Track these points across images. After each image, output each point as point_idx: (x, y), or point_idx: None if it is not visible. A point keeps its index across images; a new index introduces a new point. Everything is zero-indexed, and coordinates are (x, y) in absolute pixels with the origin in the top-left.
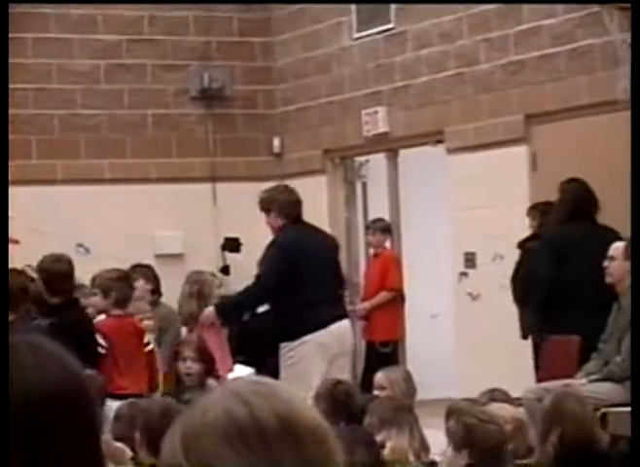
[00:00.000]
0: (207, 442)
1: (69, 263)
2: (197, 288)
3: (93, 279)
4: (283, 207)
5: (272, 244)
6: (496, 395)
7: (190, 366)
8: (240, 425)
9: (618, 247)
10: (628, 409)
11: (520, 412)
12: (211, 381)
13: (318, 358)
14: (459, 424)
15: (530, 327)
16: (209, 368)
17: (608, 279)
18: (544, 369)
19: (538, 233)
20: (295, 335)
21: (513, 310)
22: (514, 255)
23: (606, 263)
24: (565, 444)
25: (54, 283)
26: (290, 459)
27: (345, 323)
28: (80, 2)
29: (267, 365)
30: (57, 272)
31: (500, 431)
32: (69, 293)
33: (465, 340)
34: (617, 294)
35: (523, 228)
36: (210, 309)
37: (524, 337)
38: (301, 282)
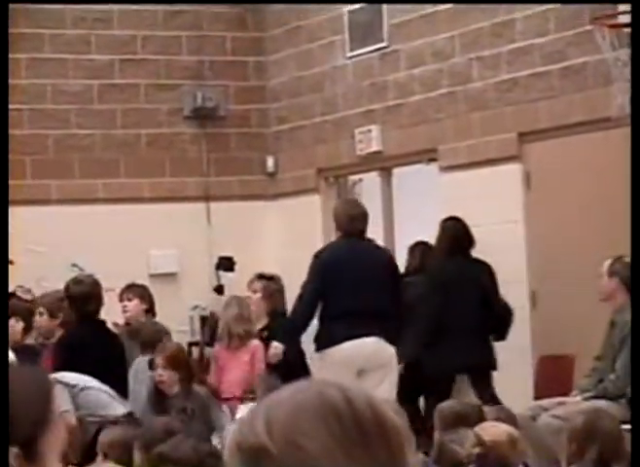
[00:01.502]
0: (296, 421)
1: (90, 284)
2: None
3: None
4: (338, 220)
5: (313, 256)
6: (501, 415)
7: (161, 373)
8: (336, 407)
9: (604, 265)
10: (625, 426)
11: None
12: (197, 388)
13: (343, 371)
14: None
15: (409, 356)
16: (187, 375)
17: (600, 297)
18: (539, 386)
19: (419, 268)
20: (320, 346)
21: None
22: (507, 274)
23: (599, 281)
24: (604, 461)
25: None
26: (384, 456)
27: (373, 340)
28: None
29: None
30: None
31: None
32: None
33: None
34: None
35: (517, 245)
36: (277, 345)
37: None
38: (332, 295)
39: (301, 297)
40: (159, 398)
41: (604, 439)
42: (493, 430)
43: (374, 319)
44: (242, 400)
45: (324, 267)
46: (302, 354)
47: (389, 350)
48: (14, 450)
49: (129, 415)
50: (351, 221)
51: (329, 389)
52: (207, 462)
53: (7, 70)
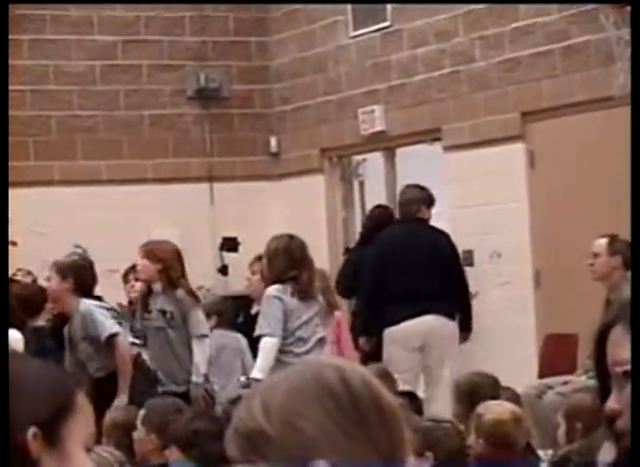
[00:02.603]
0: (292, 403)
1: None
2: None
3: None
4: (398, 204)
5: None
6: (482, 381)
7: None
8: (332, 388)
9: (601, 244)
10: None
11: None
12: (180, 293)
13: (404, 348)
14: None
15: (362, 325)
16: (167, 272)
17: (592, 276)
18: (544, 365)
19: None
20: (374, 328)
21: (511, 308)
22: (511, 253)
23: (589, 260)
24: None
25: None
26: (383, 435)
27: (431, 317)
28: (78, 2)
29: None
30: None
31: (458, 432)
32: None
33: None
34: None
35: (521, 225)
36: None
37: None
38: (389, 278)
39: (363, 292)
40: (145, 301)
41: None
42: (498, 409)
43: (431, 299)
44: None
45: (381, 249)
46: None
47: (448, 326)
48: (32, 430)
49: None
50: (402, 206)
51: (325, 370)
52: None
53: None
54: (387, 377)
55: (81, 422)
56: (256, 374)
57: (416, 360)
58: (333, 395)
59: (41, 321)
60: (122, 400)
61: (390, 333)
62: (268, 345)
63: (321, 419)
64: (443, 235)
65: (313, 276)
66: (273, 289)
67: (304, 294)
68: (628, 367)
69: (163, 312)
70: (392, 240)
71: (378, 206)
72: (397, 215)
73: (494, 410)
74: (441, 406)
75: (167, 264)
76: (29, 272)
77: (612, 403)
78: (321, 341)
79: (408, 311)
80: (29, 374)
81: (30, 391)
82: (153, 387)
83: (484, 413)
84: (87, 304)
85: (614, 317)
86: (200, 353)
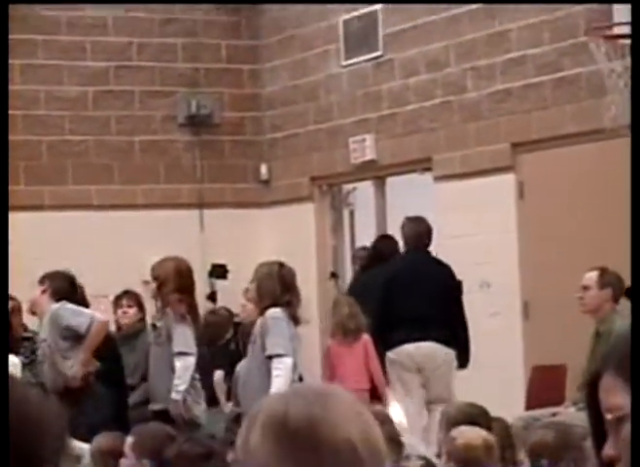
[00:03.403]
0: (249, 433)
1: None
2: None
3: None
4: (404, 236)
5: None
6: (472, 412)
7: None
8: (274, 422)
9: (591, 277)
10: None
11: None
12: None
13: (405, 369)
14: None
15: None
16: (161, 290)
17: (582, 309)
18: (532, 396)
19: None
20: (386, 347)
21: (500, 338)
22: (500, 283)
23: (579, 294)
24: None
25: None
26: (312, 463)
27: (429, 344)
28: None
29: None
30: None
31: None
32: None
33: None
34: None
35: (510, 255)
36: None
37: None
38: (396, 303)
39: (376, 314)
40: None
41: (576, 454)
42: (470, 434)
43: (431, 326)
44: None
45: (390, 276)
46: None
47: (443, 352)
48: None
49: None
50: (410, 238)
51: (276, 403)
52: None
53: (7, 77)
54: (386, 421)
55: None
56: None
57: (418, 379)
58: (273, 430)
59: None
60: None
61: (390, 355)
62: (286, 365)
63: (265, 451)
64: (446, 268)
65: (300, 303)
66: (276, 311)
67: (296, 319)
68: (620, 413)
69: (154, 328)
70: (401, 270)
71: (384, 236)
72: (402, 246)
73: (466, 434)
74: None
75: (160, 280)
76: (12, 298)
77: (608, 450)
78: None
79: (409, 336)
80: (44, 411)
81: (47, 429)
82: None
83: (457, 436)
84: (56, 305)
85: (604, 363)
86: (180, 370)
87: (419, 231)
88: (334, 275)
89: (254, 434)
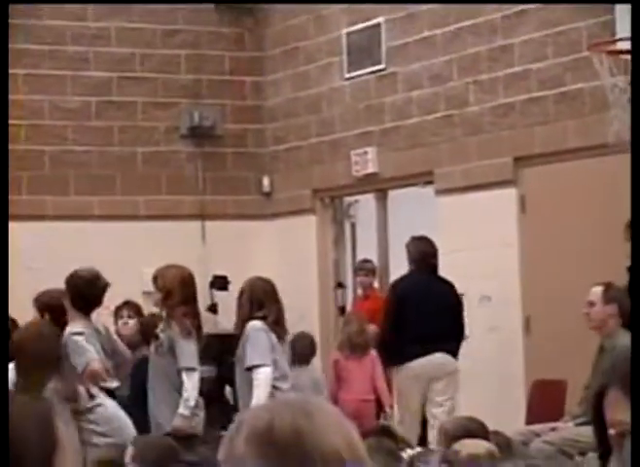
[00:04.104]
0: (237, 444)
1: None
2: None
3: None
4: (410, 255)
5: (391, 286)
6: (471, 426)
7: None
8: (258, 432)
9: (596, 292)
10: None
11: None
12: (174, 324)
13: (415, 381)
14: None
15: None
16: (168, 300)
17: (590, 325)
18: (532, 411)
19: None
20: (397, 362)
21: (501, 352)
22: (501, 298)
23: (585, 309)
24: None
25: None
26: None
27: (440, 355)
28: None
29: None
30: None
31: None
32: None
33: None
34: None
35: (512, 269)
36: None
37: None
38: (406, 320)
39: (386, 329)
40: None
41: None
42: (473, 445)
43: (440, 340)
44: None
45: (400, 296)
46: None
47: (453, 363)
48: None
49: None
50: (421, 256)
51: (260, 413)
52: None
53: (7, 84)
54: (389, 434)
55: (65, 459)
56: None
57: (424, 391)
58: (257, 440)
59: None
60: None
61: (405, 368)
62: (264, 375)
63: (252, 461)
64: (451, 287)
65: (284, 317)
66: (257, 323)
67: (279, 332)
68: (623, 428)
69: (156, 338)
70: (411, 289)
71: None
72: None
73: (469, 446)
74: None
75: (166, 291)
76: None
77: (614, 465)
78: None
79: (422, 350)
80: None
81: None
82: None
83: (460, 449)
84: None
85: (609, 378)
86: (189, 386)
87: (425, 250)
88: (340, 286)
89: (238, 445)
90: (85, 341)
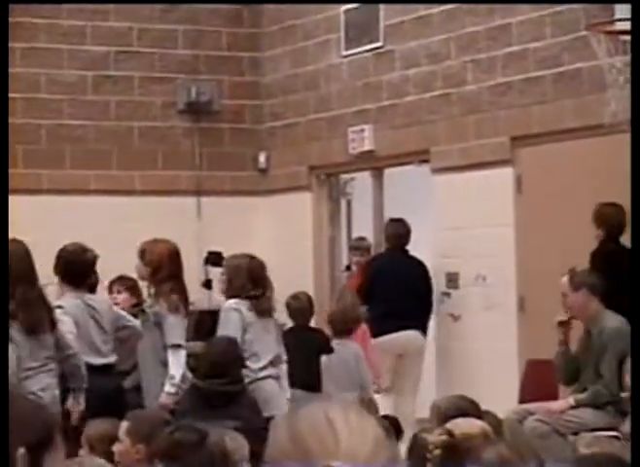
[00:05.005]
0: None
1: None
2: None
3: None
4: (386, 236)
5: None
6: (463, 405)
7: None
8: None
9: (564, 283)
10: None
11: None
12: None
13: (386, 354)
14: None
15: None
16: (156, 275)
17: (570, 313)
18: (526, 390)
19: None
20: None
21: (495, 332)
22: (496, 277)
23: (562, 301)
24: None
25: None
26: None
27: (409, 332)
28: (76, 2)
29: None
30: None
31: None
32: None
33: (446, 361)
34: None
35: (507, 249)
36: None
37: None
38: (379, 297)
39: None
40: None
41: None
42: (466, 424)
43: (410, 316)
44: None
45: (374, 273)
46: None
47: (420, 340)
48: (21, 451)
49: None
50: (392, 238)
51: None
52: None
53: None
54: (370, 406)
55: (58, 460)
56: None
57: (394, 364)
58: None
59: None
60: None
61: (377, 342)
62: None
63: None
64: (422, 266)
65: (272, 295)
66: (232, 302)
67: (262, 311)
68: None
69: (143, 312)
70: (384, 267)
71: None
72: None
73: (463, 425)
74: (409, 400)
75: (154, 266)
76: None
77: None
78: (278, 359)
79: (392, 326)
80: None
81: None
82: None
83: (453, 428)
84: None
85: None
86: (176, 363)
87: (400, 232)
88: (348, 268)
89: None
90: (62, 314)
